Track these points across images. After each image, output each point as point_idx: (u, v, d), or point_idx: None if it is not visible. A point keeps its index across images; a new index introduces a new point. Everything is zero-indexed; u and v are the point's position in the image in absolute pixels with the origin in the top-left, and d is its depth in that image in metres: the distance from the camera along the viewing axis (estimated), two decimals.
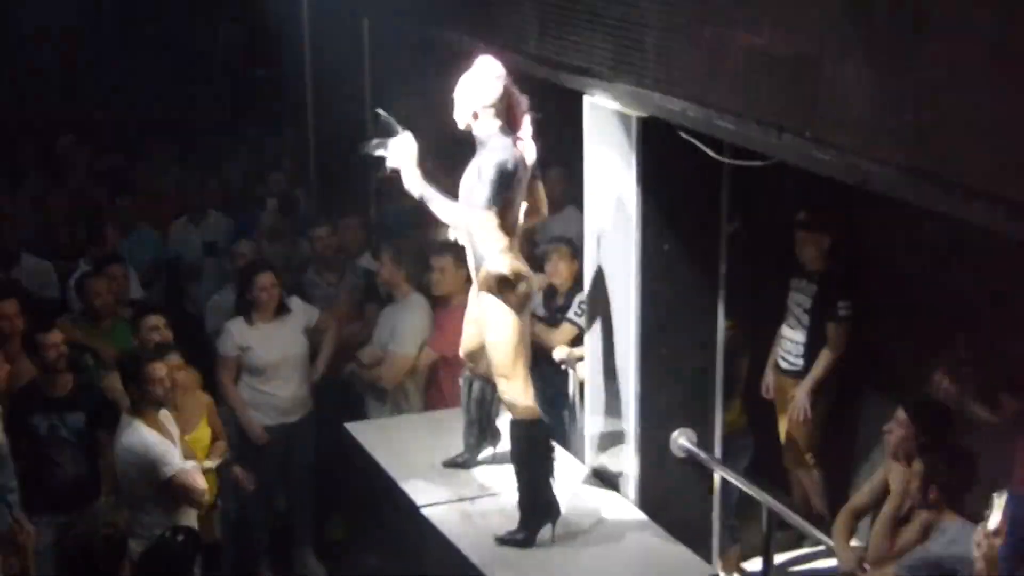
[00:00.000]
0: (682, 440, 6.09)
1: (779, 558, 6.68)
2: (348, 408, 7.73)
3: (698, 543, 5.95)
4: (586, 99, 5.93)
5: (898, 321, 6.93)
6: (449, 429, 6.45)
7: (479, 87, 5.39)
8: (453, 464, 6.29)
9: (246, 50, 12.44)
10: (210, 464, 6.55)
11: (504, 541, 5.65)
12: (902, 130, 3.96)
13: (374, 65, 9.61)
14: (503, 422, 6.00)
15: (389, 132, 5.46)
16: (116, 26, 11.52)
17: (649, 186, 5.74)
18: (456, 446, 6.32)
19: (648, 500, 6.05)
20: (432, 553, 5.96)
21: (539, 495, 5.61)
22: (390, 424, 7.15)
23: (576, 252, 7.20)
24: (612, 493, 6.16)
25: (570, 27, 5.80)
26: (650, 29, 5.19)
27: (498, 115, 5.40)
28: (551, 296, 7.43)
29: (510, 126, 5.42)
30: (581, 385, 6.73)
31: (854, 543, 5.45)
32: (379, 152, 5.48)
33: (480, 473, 6.24)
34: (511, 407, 5.62)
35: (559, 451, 5.98)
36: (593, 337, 6.28)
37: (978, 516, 4.94)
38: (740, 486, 6.17)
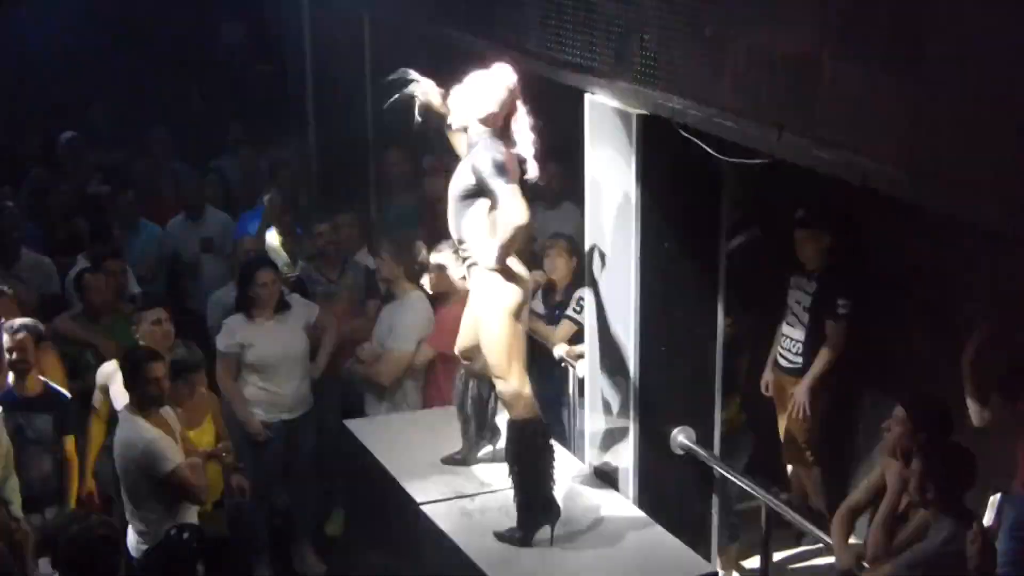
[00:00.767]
0: (681, 438, 6.09)
1: (778, 556, 6.69)
2: (348, 405, 7.73)
3: (697, 540, 5.96)
4: (586, 97, 5.94)
5: (897, 319, 6.93)
6: (448, 426, 6.46)
7: (490, 93, 5.37)
8: (452, 461, 6.30)
9: (248, 47, 12.43)
10: (215, 454, 6.56)
11: (503, 538, 5.65)
12: (901, 129, 3.97)
13: (375, 62, 9.62)
14: (502, 420, 6.01)
15: (407, 83, 5.46)
16: (118, 23, 11.51)
17: (649, 184, 5.74)
18: (455, 443, 6.32)
19: (647, 498, 6.06)
20: (431, 549, 5.97)
21: (538, 495, 5.61)
22: (389, 421, 7.16)
23: (574, 248, 7.21)
24: (611, 491, 6.16)
25: (571, 25, 5.80)
26: (651, 27, 5.20)
27: (496, 122, 5.40)
28: (550, 292, 7.43)
29: (503, 136, 5.41)
30: (580, 383, 6.73)
31: (852, 541, 5.45)
32: (409, 92, 5.47)
33: (479, 470, 6.25)
34: (509, 406, 5.62)
35: (558, 449, 6.00)
36: (592, 334, 6.28)
37: (976, 515, 4.96)
38: (739, 484, 6.17)
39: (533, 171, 5.42)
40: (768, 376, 7.27)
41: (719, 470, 6.16)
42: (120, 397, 6.35)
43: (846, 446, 7.29)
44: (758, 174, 5.30)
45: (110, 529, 4.86)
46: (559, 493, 5.73)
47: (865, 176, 4.17)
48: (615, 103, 5.73)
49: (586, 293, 6.43)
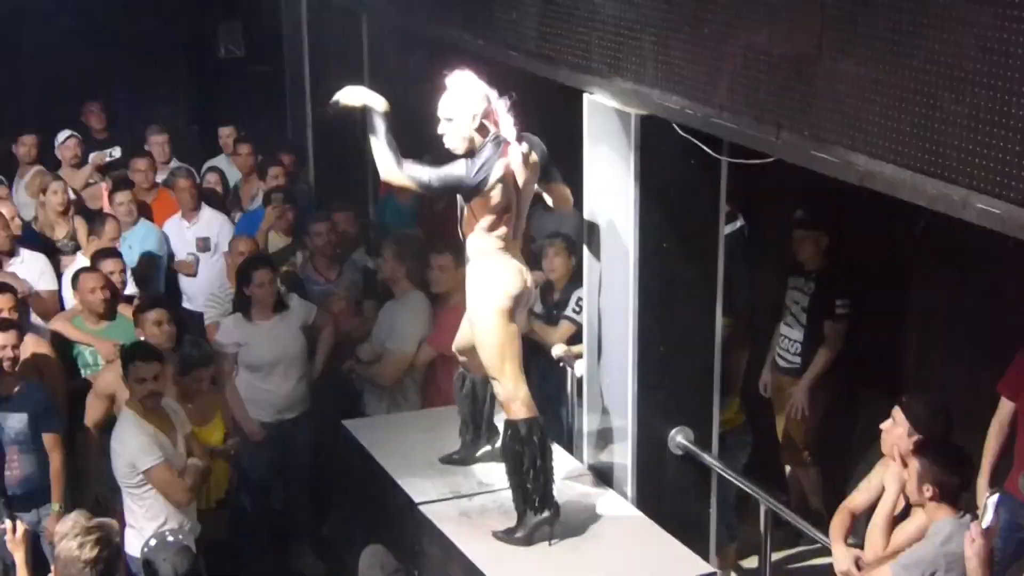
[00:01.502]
0: (680, 438, 6.09)
1: (776, 556, 6.69)
2: (346, 405, 7.73)
3: (695, 541, 5.95)
4: (585, 97, 5.94)
5: (895, 319, 6.94)
6: (447, 426, 6.46)
7: (462, 104, 5.39)
8: (450, 461, 6.29)
9: (245, 45, 12.42)
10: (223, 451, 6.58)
11: (501, 537, 5.66)
12: (900, 128, 3.97)
13: (373, 61, 9.62)
14: (500, 419, 6.01)
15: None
16: (115, 22, 11.50)
17: (648, 184, 5.74)
18: (454, 443, 6.32)
19: (646, 498, 6.06)
20: (430, 550, 5.97)
21: (537, 494, 5.59)
22: (388, 421, 7.16)
23: (572, 248, 7.21)
24: (610, 491, 6.16)
25: (569, 25, 5.80)
26: (649, 27, 5.20)
27: (490, 121, 5.42)
28: (548, 292, 7.43)
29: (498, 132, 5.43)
30: (579, 382, 6.73)
31: (851, 541, 5.45)
32: (339, 101, 5.58)
33: (478, 470, 6.24)
34: (505, 407, 5.62)
35: (557, 450, 6.00)
36: (591, 334, 6.28)
37: (974, 515, 4.96)
38: (737, 484, 6.17)
39: (523, 150, 5.44)
40: (766, 376, 7.28)
41: (717, 470, 6.16)
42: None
43: (844, 446, 7.30)
44: (756, 174, 5.30)
45: (109, 531, 4.85)
46: (558, 493, 5.73)
47: (863, 176, 4.18)
48: (614, 103, 5.73)
49: (584, 293, 6.43)
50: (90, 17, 11.06)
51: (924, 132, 3.88)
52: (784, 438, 7.18)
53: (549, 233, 7.61)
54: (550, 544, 5.64)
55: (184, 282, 9.04)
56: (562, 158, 7.56)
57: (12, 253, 8.09)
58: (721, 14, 4.78)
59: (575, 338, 6.99)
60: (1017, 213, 3.63)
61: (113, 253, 7.97)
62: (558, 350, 7.14)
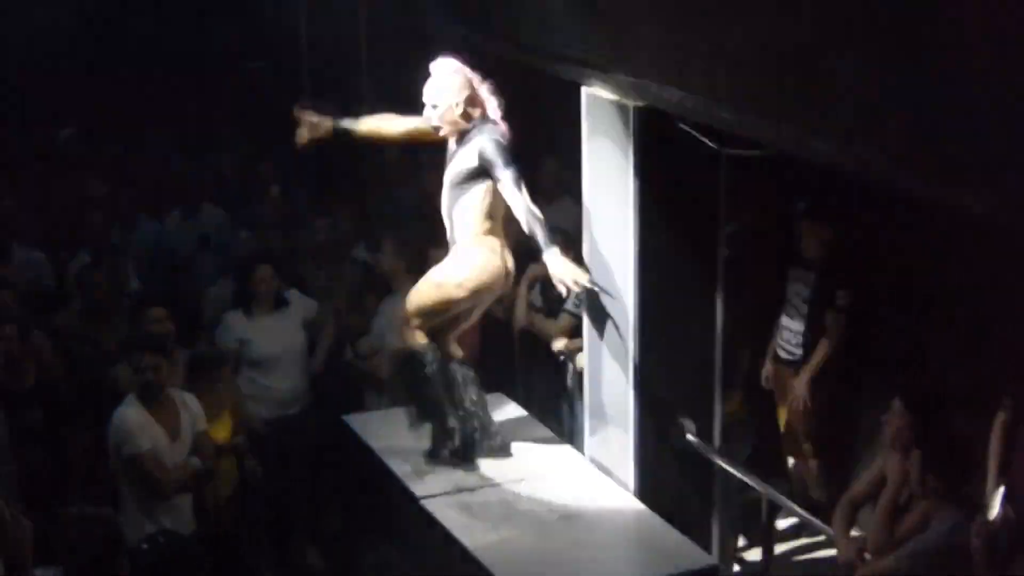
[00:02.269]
0: (681, 431, 6.08)
1: (779, 548, 6.68)
2: (347, 400, 7.73)
3: (698, 533, 5.95)
4: (584, 89, 5.92)
5: (897, 311, 6.93)
6: None
7: (445, 90, 5.67)
8: (434, 455, 6.28)
9: (243, 42, 12.40)
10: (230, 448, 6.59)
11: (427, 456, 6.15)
12: (901, 119, 3.95)
13: (370, 56, 9.61)
14: (498, 419, 6.16)
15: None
16: (114, 18, 11.49)
17: (647, 176, 5.73)
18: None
19: (648, 491, 6.05)
20: (431, 544, 5.96)
21: (432, 420, 6.10)
22: (389, 416, 7.13)
23: (572, 242, 7.19)
24: (611, 483, 6.15)
25: (568, 17, 5.78)
26: (647, 19, 5.18)
27: (474, 106, 5.67)
28: (549, 286, 7.41)
29: (484, 115, 5.69)
30: (580, 376, 6.72)
31: (854, 533, 5.44)
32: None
33: (480, 464, 6.24)
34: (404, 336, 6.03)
35: (559, 442, 5.99)
36: (592, 328, 6.27)
37: (980, 507, 4.95)
38: (740, 476, 6.17)
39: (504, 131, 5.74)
40: (768, 368, 7.27)
41: (719, 463, 6.15)
42: None
43: (846, 438, 7.29)
44: (756, 166, 5.29)
45: (113, 526, 4.85)
46: (562, 487, 5.71)
47: (864, 167, 4.17)
48: (612, 96, 5.72)
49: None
50: (91, 14, 11.07)
51: (923, 122, 3.87)
52: (786, 430, 7.17)
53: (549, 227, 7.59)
54: (551, 536, 5.63)
55: (184, 278, 9.04)
56: (559, 151, 7.58)
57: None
58: (720, 5, 4.76)
59: (575, 331, 6.98)
60: (1017, 205, 3.62)
61: (116, 250, 7.99)
62: (558, 343, 7.14)
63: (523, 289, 7.36)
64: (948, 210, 3.93)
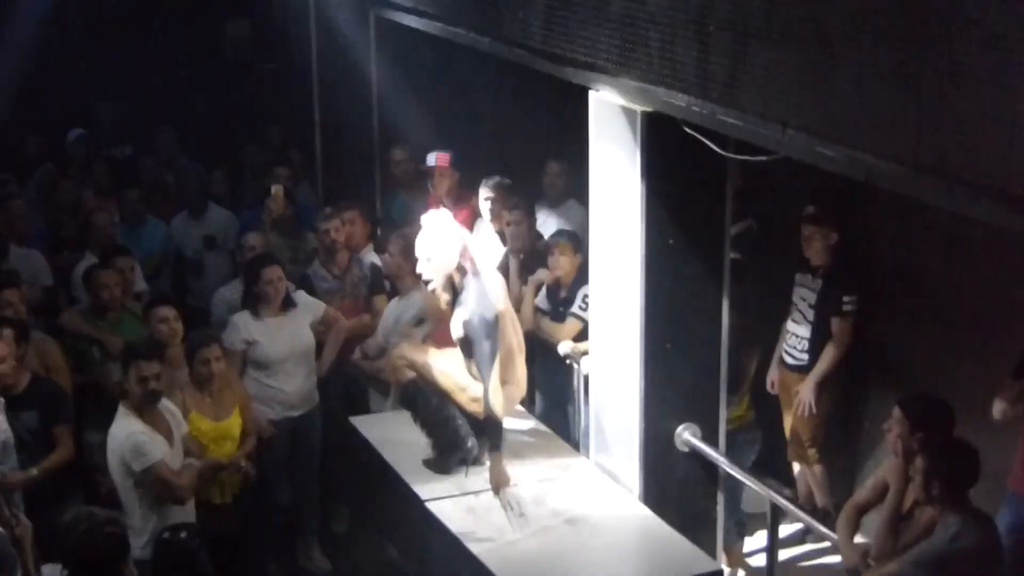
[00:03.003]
0: (687, 435, 6.09)
1: (784, 554, 6.68)
2: (353, 402, 7.73)
3: (703, 538, 5.96)
4: (591, 94, 5.93)
5: (903, 316, 6.92)
6: None
7: (441, 246, 5.96)
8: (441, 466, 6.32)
9: (253, 43, 12.43)
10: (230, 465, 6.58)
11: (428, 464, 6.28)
12: (906, 125, 3.95)
13: (380, 59, 9.61)
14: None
15: None
16: (123, 19, 11.51)
17: (654, 181, 5.73)
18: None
19: (653, 495, 6.06)
20: (436, 546, 5.97)
21: (444, 439, 6.22)
22: (395, 418, 7.14)
23: (578, 245, 7.21)
24: (616, 488, 6.16)
25: (576, 22, 5.79)
26: (655, 24, 5.18)
27: (465, 258, 5.96)
28: (555, 290, 7.43)
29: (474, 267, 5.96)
30: (586, 380, 6.73)
31: (858, 539, 5.44)
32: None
33: (484, 468, 6.24)
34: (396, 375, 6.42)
35: (564, 448, 6.00)
36: (598, 332, 6.28)
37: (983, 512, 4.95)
38: (744, 481, 6.17)
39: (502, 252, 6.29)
40: (774, 373, 7.27)
41: (724, 467, 6.15)
42: None
43: (851, 443, 7.29)
44: (762, 171, 5.29)
45: (118, 526, 4.85)
46: (565, 490, 5.73)
47: (869, 173, 4.17)
48: (620, 100, 5.72)
49: (591, 290, 6.42)
50: (99, 14, 11.08)
51: (929, 128, 3.87)
52: (791, 435, 7.17)
53: (555, 231, 7.61)
54: (556, 540, 5.63)
55: (191, 279, 9.05)
56: (565, 155, 7.59)
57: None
58: (726, 10, 4.76)
59: (582, 335, 6.99)
60: (1022, 209, 3.62)
61: (124, 251, 7.99)
62: (565, 347, 7.14)
63: (529, 292, 7.37)
64: (954, 215, 3.93)
